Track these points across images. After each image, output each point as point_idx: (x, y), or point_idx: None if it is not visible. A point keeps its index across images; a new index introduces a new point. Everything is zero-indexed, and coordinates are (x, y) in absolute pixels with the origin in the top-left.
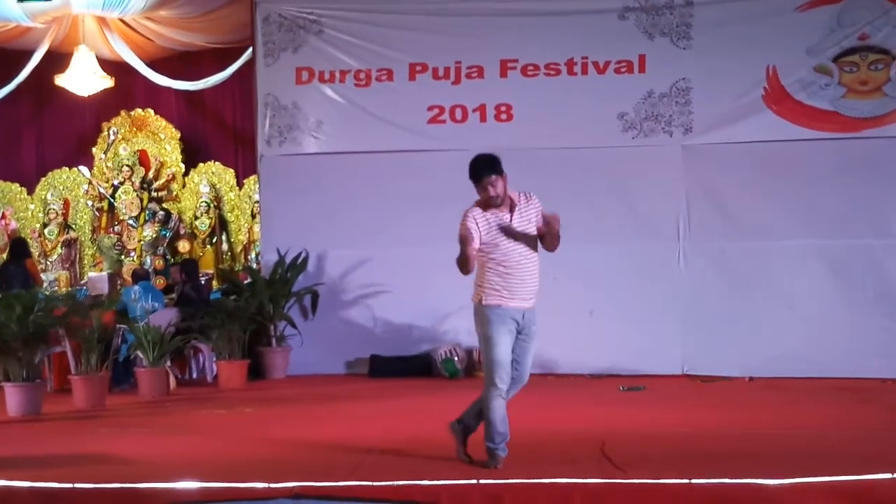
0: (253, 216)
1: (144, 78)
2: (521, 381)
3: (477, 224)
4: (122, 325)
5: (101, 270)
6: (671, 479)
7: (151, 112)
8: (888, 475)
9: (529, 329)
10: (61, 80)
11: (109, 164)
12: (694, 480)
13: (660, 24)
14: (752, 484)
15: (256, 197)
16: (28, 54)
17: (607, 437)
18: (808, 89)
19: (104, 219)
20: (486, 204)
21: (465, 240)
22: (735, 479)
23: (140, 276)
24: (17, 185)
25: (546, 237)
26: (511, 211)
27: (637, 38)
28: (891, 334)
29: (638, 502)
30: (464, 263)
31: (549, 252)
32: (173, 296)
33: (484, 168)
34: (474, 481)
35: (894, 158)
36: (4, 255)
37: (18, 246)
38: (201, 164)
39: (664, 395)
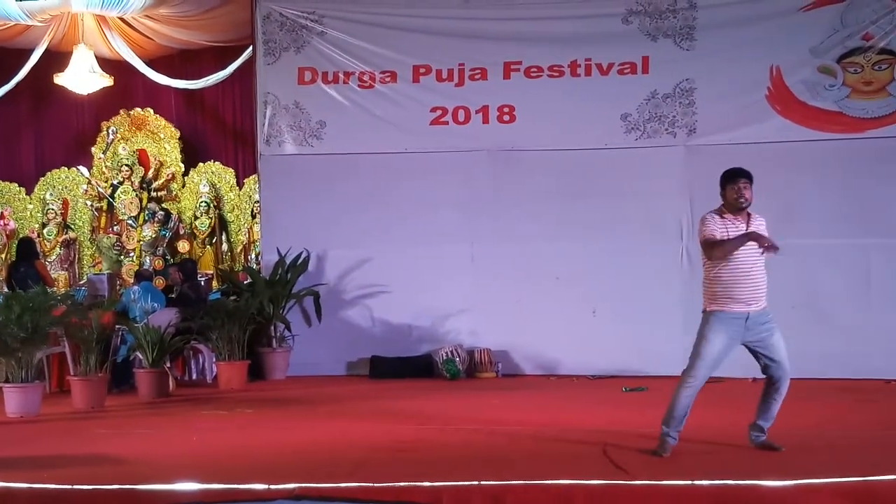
0: (253, 216)
1: (144, 77)
2: (782, 375)
3: (716, 226)
4: (121, 326)
5: (101, 271)
6: (673, 480)
7: (151, 111)
8: (892, 476)
9: (759, 328)
10: (60, 79)
11: (108, 164)
12: (696, 482)
13: (663, 27)
14: (754, 485)
15: (257, 197)
16: (27, 53)
17: (609, 439)
18: (813, 90)
19: (103, 219)
20: (727, 208)
21: (713, 238)
22: (737, 480)
23: (143, 276)
24: (16, 184)
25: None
26: (747, 223)
27: (640, 40)
28: (894, 335)
29: (640, 503)
30: (725, 251)
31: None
32: (173, 296)
33: (742, 172)
34: (476, 482)
35: None
36: (3, 256)
37: (28, 247)
38: (201, 164)
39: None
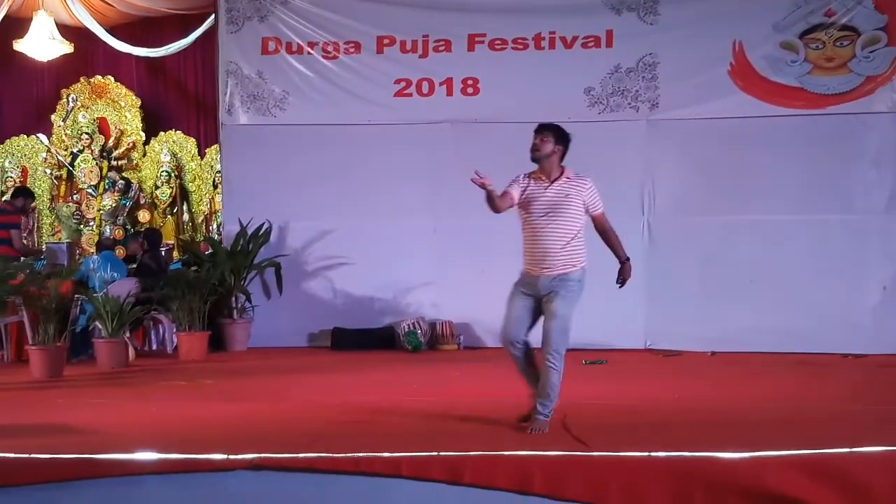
0: (215, 186)
1: (105, 44)
2: (545, 343)
3: (518, 185)
4: (80, 296)
5: (60, 240)
6: (631, 451)
7: (112, 79)
8: (845, 449)
9: (548, 294)
10: (20, 46)
11: (68, 132)
12: (654, 453)
13: (627, 1)
14: (711, 457)
15: (218, 167)
16: None
17: (568, 410)
18: (774, 65)
19: (63, 187)
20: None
21: (491, 193)
22: (694, 452)
23: (104, 245)
24: None
25: (611, 245)
26: (552, 182)
27: (604, 13)
28: (852, 310)
29: (598, 475)
30: (492, 207)
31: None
32: (133, 266)
33: (545, 126)
34: (435, 453)
35: (858, 135)
36: None
37: None
38: (162, 133)
39: (626, 369)
